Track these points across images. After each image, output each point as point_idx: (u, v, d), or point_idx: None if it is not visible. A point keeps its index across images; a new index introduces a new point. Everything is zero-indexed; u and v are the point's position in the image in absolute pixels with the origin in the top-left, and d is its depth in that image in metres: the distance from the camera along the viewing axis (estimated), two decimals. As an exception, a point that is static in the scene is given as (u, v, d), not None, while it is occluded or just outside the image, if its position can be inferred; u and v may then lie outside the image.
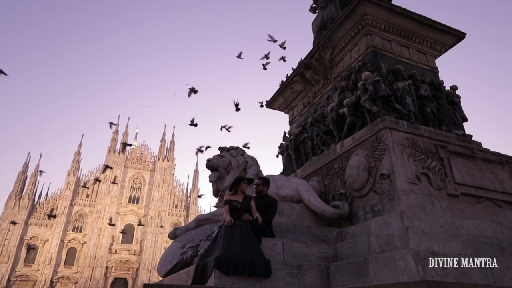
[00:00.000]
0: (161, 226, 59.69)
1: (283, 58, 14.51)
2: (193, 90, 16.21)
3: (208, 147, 18.90)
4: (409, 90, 7.31)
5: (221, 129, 18.10)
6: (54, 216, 53.85)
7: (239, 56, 16.86)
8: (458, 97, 8.19)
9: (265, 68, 15.53)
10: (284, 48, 14.85)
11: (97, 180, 51.02)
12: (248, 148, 15.89)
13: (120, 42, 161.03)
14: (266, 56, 15.10)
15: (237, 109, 15.68)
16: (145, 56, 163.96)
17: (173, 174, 79.65)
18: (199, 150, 18.44)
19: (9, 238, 61.91)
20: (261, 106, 11.90)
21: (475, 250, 4.85)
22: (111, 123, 26.43)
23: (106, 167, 47.30)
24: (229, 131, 18.05)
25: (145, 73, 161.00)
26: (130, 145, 36.96)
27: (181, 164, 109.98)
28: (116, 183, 62.31)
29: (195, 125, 18.73)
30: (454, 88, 8.30)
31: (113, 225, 53.16)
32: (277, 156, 10.63)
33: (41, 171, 48.43)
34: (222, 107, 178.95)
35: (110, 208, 69.73)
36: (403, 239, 4.64)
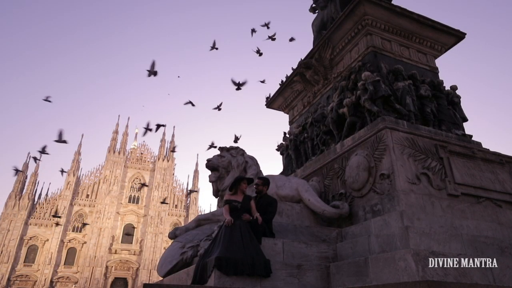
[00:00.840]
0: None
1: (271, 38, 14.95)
2: (152, 72, 15.81)
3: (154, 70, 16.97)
4: (409, 90, 7.31)
5: (217, 108, 18.05)
6: (59, 217, 52.65)
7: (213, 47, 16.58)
8: (458, 97, 8.19)
9: (260, 54, 15.62)
10: (274, 38, 15.30)
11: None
12: (238, 139, 15.85)
13: (120, 42, 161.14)
14: (267, 25, 15.34)
15: (238, 88, 15.63)
16: (145, 56, 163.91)
17: (173, 174, 79.69)
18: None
19: (9, 238, 61.91)
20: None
21: (475, 250, 4.85)
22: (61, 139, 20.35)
23: None
24: (219, 109, 17.98)
25: (145, 73, 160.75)
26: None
27: (181, 164, 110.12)
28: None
29: (193, 104, 18.50)
30: (454, 88, 8.30)
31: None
32: (278, 150, 10.65)
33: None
34: (222, 107, 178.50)
35: (110, 208, 69.76)
36: (403, 239, 4.64)
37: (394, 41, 8.32)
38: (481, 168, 6.61)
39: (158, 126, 18.81)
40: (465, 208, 5.99)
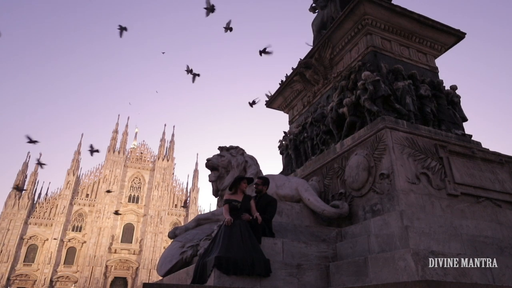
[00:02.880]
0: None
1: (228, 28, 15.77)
2: (122, 28, 15.12)
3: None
4: (409, 89, 7.31)
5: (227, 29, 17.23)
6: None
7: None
8: (458, 97, 8.20)
9: (230, 30, 16.07)
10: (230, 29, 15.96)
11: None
12: (254, 103, 15.47)
13: (120, 42, 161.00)
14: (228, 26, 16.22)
15: (262, 53, 15.34)
16: (145, 56, 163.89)
17: (173, 173, 79.71)
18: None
19: (8, 237, 61.89)
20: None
21: (474, 250, 4.86)
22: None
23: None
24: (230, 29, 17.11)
25: (145, 73, 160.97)
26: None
27: (181, 164, 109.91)
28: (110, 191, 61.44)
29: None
30: (454, 88, 8.30)
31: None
32: (279, 148, 10.62)
33: (40, 163, 31.05)
34: (222, 107, 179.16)
35: (110, 208, 69.72)
36: (403, 239, 4.64)
37: (394, 41, 8.32)
38: (480, 168, 6.61)
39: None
40: (464, 208, 5.99)
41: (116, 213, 55.84)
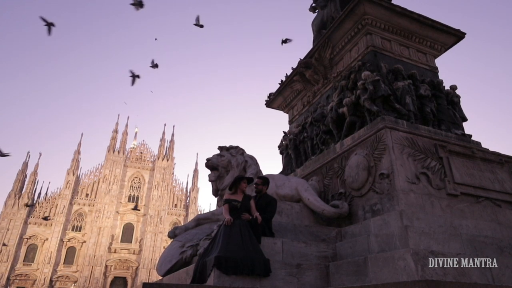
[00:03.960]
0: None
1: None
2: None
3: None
4: (408, 89, 7.31)
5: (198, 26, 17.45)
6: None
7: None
8: (458, 96, 8.20)
9: (201, 26, 16.62)
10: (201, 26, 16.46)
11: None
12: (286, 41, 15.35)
13: (120, 41, 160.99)
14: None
15: (284, 43, 15.20)
16: (145, 55, 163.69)
17: (173, 173, 79.70)
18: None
19: (8, 237, 61.88)
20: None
21: (474, 250, 4.86)
22: None
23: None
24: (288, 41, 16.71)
25: (145, 73, 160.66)
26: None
27: (180, 164, 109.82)
28: (48, 218, 61.55)
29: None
30: (453, 87, 8.31)
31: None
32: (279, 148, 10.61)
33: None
34: (222, 107, 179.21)
35: (110, 208, 69.74)
36: (403, 239, 4.64)
37: (394, 41, 8.32)
38: (480, 168, 6.62)
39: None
40: (464, 207, 5.99)
41: (46, 219, 58.60)
